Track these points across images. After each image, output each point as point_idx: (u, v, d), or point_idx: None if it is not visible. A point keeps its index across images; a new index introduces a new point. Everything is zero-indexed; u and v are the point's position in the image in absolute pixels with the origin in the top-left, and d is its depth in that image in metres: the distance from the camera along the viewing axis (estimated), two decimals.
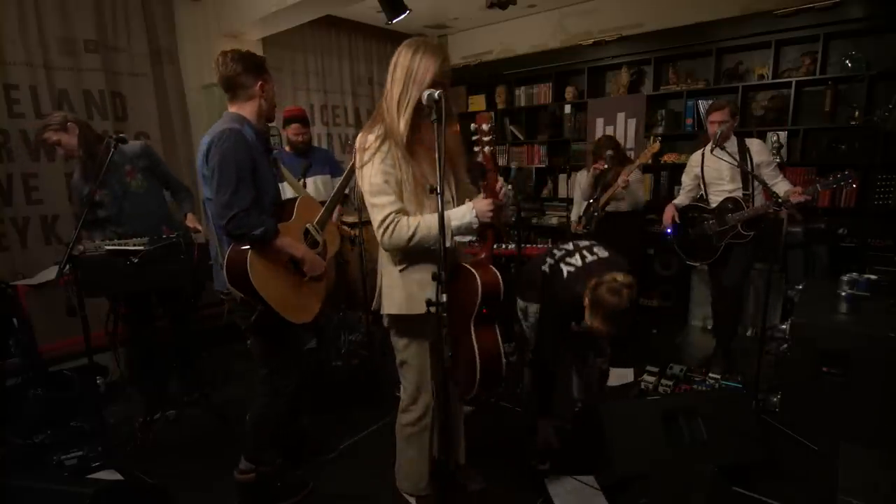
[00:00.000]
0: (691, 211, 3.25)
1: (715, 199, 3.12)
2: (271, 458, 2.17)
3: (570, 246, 2.25)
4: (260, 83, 1.90)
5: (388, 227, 1.58)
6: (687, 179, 3.30)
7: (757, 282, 3.63)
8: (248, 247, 1.80)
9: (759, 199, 2.96)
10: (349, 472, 2.36)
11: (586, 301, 1.94)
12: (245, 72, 1.87)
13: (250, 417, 2.08)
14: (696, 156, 3.21)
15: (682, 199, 3.33)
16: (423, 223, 1.58)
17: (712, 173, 3.10)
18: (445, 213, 1.48)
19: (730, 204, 3.00)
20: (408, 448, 1.96)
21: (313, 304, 2.07)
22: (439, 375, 1.47)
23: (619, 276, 1.90)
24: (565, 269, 2.13)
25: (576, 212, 4.04)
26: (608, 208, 3.63)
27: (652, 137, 4.14)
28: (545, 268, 2.26)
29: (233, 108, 1.92)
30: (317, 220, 2.12)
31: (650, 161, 3.70)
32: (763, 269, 3.35)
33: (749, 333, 3.74)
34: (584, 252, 2.16)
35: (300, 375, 2.16)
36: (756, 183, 2.92)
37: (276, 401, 2.07)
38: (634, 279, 1.93)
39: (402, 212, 1.60)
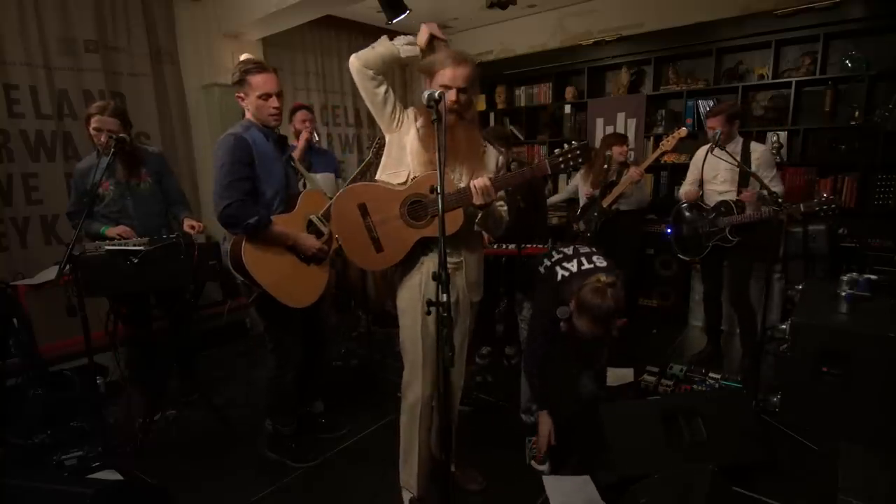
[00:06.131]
0: (690, 208, 3.27)
1: (709, 199, 3.16)
2: (285, 421, 2.42)
3: (569, 250, 2.24)
4: (238, 96, 2.14)
5: None
6: (690, 174, 3.32)
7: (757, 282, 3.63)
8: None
9: (751, 206, 2.96)
10: (349, 472, 2.36)
11: (573, 305, 1.95)
12: (234, 85, 2.14)
13: (265, 383, 2.42)
14: (700, 152, 3.23)
15: (687, 189, 3.31)
16: None
17: (710, 172, 3.15)
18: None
19: (722, 207, 3.03)
20: (401, 435, 1.99)
21: (312, 290, 2.23)
22: (439, 375, 1.47)
23: (602, 277, 1.91)
24: (560, 272, 2.14)
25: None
26: (615, 206, 3.62)
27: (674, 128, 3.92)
28: (541, 268, 2.26)
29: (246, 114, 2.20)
30: (322, 212, 2.28)
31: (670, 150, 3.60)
32: (761, 268, 3.35)
33: None
34: (583, 259, 2.15)
35: (303, 353, 2.39)
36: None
37: (281, 372, 2.31)
38: (619, 278, 1.94)
39: None
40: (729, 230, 2.97)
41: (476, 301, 1.98)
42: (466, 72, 1.71)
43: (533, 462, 2.33)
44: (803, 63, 3.82)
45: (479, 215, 1.77)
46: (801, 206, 2.61)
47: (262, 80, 2.08)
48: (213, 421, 2.72)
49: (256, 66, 2.10)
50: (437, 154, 1.41)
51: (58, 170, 3.45)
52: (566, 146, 1.67)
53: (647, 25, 4.43)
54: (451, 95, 1.69)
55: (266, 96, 2.10)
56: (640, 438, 2.13)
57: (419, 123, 1.79)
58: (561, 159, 1.67)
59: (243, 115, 2.19)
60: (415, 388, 1.91)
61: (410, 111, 1.86)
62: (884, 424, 2.27)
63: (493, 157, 1.90)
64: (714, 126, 2.98)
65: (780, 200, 2.55)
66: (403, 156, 1.82)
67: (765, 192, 2.72)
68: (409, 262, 1.87)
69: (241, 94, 2.13)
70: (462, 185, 1.75)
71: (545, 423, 2.22)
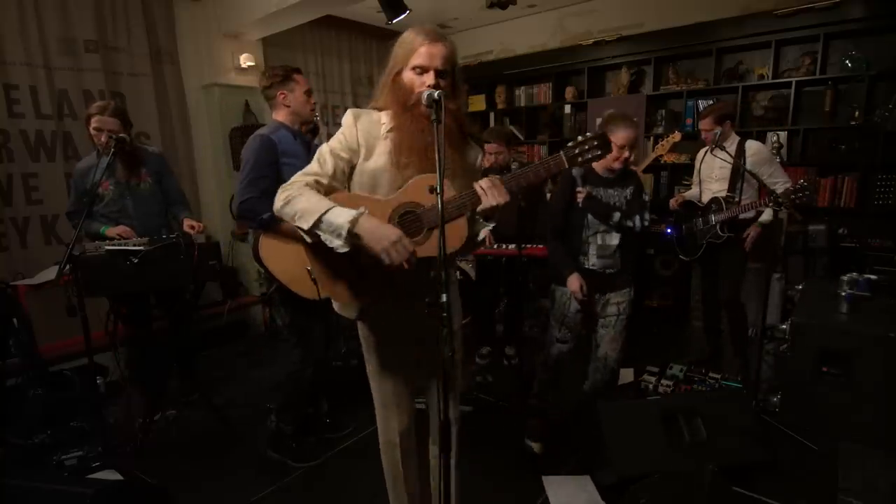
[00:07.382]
0: (688, 207, 3.29)
1: (705, 198, 3.19)
2: (290, 419, 2.44)
3: None
4: (281, 94, 2.23)
5: None
6: (694, 174, 3.39)
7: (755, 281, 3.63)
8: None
9: (747, 200, 2.97)
10: (349, 472, 2.37)
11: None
12: (270, 86, 2.23)
13: (286, 376, 2.40)
14: (700, 153, 3.29)
15: (692, 191, 3.39)
16: None
17: (706, 170, 3.19)
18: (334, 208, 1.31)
19: (713, 204, 3.05)
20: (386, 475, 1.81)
21: None
22: (439, 376, 1.25)
23: None
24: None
25: None
26: None
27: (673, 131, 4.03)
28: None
29: (273, 116, 2.29)
30: None
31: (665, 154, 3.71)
32: (761, 268, 3.36)
33: (749, 333, 3.74)
34: None
35: (322, 351, 2.44)
36: (743, 188, 2.98)
37: (303, 366, 2.34)
38: None
39: None
40: (719, 226, 2.98)
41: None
42: (445, 51, 1.38)
43: (528, 440, 2.41)
44: (803, 63, 3.82)
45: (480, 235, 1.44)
46: (779, 197, 2.57)
47: (304, 79, 2.27)
48: (213, 421, 2.72)
49: (293, 67, 2.25)
50: (436, 155, 1.20)
51: (58, 170, 3.45)
52: (579, 137, 1.36)
53: (647, 25, 4.43)
54: (428, 79, 1.35)
55: (309, 92, 2.29)
56: (639, 438, 2.13)
57: (399, 123, 1.42)
58: (577, 151, 1.34)
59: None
60: (385, 426, 1.71)
61: (349, 121, 1.50)
62: (884, 424, 2.27)
63: (474, 154, 1.56)
64: (705, 128, 3.03)
65: (780, 200, 2.54)
66: (376, 178, 1.45)
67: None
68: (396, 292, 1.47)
69: (285, 91, 2.23)
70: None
71: (574, 280, 2.25)
